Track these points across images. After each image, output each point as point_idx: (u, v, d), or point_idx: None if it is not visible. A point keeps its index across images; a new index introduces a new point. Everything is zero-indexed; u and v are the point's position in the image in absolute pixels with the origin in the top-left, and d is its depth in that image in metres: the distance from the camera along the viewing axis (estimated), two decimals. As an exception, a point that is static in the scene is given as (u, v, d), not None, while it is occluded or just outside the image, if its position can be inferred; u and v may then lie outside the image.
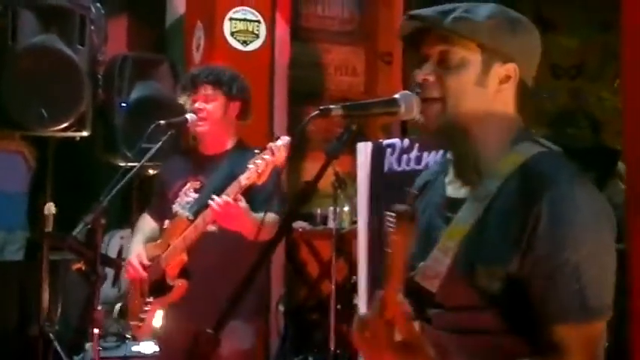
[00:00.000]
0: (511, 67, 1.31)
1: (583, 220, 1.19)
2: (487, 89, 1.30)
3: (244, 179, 2.43)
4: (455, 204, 1.31)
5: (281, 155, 2.37)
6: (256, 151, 2.48)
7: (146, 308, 2.78)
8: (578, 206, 1.19)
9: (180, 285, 2.68)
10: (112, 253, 4.85)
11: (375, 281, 2.88)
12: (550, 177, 1.22)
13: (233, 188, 2.48)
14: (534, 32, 1.36)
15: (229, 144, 2.82)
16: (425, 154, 2.57)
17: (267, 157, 2.38)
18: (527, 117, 1.36)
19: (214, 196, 2.50)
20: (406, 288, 1.29)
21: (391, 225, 1.10)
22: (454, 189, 1.36)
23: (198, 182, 2.78)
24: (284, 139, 2.40)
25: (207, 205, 2.56)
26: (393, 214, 1.09)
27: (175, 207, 2.79)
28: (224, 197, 2.47)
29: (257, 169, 2.39)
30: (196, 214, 2.65)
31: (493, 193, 1.25)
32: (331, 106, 1.30)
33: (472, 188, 1.30)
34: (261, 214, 2.51)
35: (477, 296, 1.22)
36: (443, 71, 1.30)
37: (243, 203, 2.48)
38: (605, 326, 1.21)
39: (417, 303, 1.25)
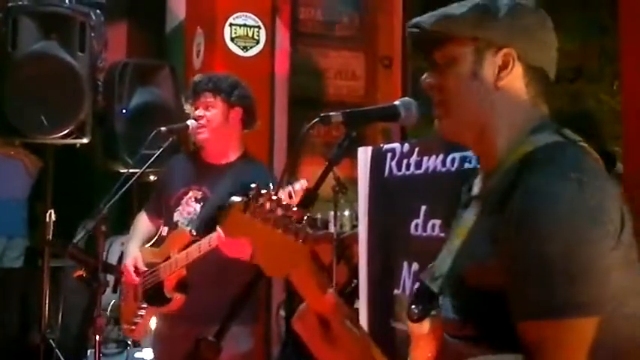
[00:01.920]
0: (507, 52, 1.24)
1: (558, 212, 1.08)
2: (484, 80, 1.25)
3: None
4: (470, 201, 1.29)
5: (297, 200, 2.34)
6: (260, 167, 2.45)
7: (140, 313, 2.80)
8: (555, 198, 1.09)
9: (178, 299, 2.69)
10: (113, 259, 4.85)
11: (377, 285, 2.88)
12: (533, 165, 1.15)
13: None
14: (533, 13, 1.28)
15: (233, 155, 2.82)
16: (425, 158, 2.57)
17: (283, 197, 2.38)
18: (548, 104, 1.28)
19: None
20: (417, 290, 1.29)
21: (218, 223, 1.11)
22: (477, 186, 1.31)
23: (201, 192, 2.77)
24: (302, 184, 2.37)
25: (209, 222, 2.56)
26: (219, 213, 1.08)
27: (176, 216, 2.79)
28: None
29: None
30: (199, 230, 2.65)
31: (490, 188, 1.22)
32: (331, 114, 1.31)
33: (484, 184, 1.27)
34: None
35: (468, 299, 1.18)
36: (440, 73, 1.28)
37: None
38: (589, 326, 1.07)
39: (424, 304, 1.24)
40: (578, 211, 1.09)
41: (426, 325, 1.25)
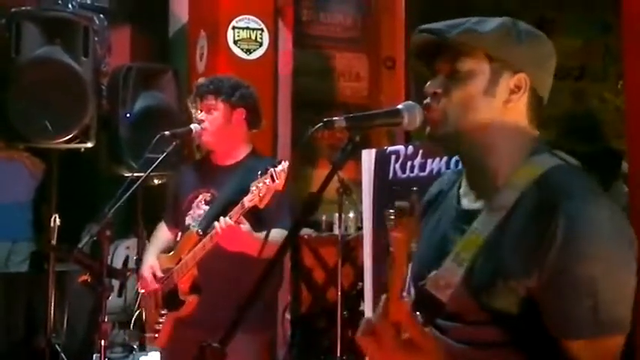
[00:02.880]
0: (521, 77, 1.30)
1: (600, 235, 1.17)
2: (496, 99, 1.30)
3: (247, 202, 2.44)
4: (469, 215, 1.30)
5: (281, 181, 2.37)
6: (267, 164, 2.46)
7: (161, 320, 2.81)
8: (595, 221, 1.18)
9: (191, 300, 2.70)
10: (118, 263, 4.86)
11: (382, 287, 2.88)
12: (567, 191, 1.21)
13: (236, 210, 2.49)
14: (546, 43, 1.35)
15: (241, 154, 2.82)
16: (429, 160, 2.57)
17: (267, 181, 2.39)
18: (540, 128, 1.35)
19: (221, 218, 2.50)
20: (417, 296, 1.29)
21: (391, 222, 1.08)
22: (469, 201, 1.35)
23: (210, 194, 2.78)
24: (284, 165, 2.39)
25: (217, 220, 2.57)
26: (392, 211, 1.08)
27: (188, 219, 2.80)
28: (227, 220, 2.48)
29: (259, 192, 2.40)
30: (206, 229, 2.65)
31: (509, 206, 1.25)
32: (335, 119, 1.31)
33: (487, 200, 1.29)
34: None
35: (489, 310, 1.21)
36: (451, 83, 1.31)
37: (245, 226, 2.50)
38: (621, 341, 1.20)
39: (427, 312, 1.25)
40: (612, 235, 1.19)
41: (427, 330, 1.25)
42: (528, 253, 1.19)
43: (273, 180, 2.38)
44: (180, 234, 2.83)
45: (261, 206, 2.42)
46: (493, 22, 1.31)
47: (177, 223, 2.90)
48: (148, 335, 2.93)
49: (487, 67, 1.29)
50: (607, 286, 1.16)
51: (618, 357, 1.20)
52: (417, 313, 1.24)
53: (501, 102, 1.30)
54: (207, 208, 2.76)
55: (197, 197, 2.81)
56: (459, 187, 1.39)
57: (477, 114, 1.30)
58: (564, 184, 1.23)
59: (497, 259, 1.22)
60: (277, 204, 2.48)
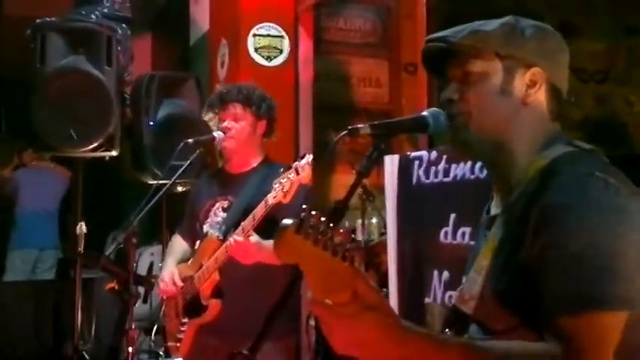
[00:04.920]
0: (535, 71, 1.29)
1: (587, 209, 1.11)
2: (513, 97, 1.28)
3: (271, 198, 2.45)
4: (492, 221, 1.29)
5: (306, 174, 2.38)
6: (281, 169, 2.49)
7: (182, 328, 2.81)
8: (584, 195, 1.13)
9: (214, 305, 2.70)
10: (143, 270, 4.90)
11: (406, 293, 2.86)
12: (561, 170, 1.18)
13: (259, 209, 2.50)
14: (553, 35, 1.33)
15: (255, 161, 2.84)
16: (453, 165, 2.56)
17: (291, 176, 2.39)
18: (562, 121, 1.32)
19: (233, 236, 2.54)
20: (447, 314, 1.28)
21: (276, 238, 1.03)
22: (495, 206, 1.34)
23: (227, 201, 2.80)
24: (308, 158, 2.40)
25: (236, 225, 2.59)
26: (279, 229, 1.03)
27: (206, 227, 2.81)
28: (236, 238, 2.53)
29: (282, 187, 2.41)
30: (225, 234, 2.67)
31: (514, 201, 1.23)
32: (359, 126, 1.31)
33: (505, 202, 1.28)
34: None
35: (510, 312, 1.18)
36: (465, 87, 1.30)
37: (254, 238, 2.52)
38: (620, 321, 1.08)
39: (456, 328, 1.24)
40: (604, 207, 1.12)
41: None
42: (519, 235, 1.17)
43: (297, 173, 2.38)
44: (198, 242, 2.84)
45: (286, 202, 2.42)
46: (496, 21, 1.30)
47: (193, 234, 2.91)
48: (169, 344, 2.93)
49: (499, 65, 1.28)
50: (596, 260, 1.09)
51: (616, 338, 1.08)
52: (447, 330, 1.24)
53: (519, 99, 1.28)
54: (224, 215, 2.77)
55: (214, 205, 2.83)
56: (493, 194, 1.37)
57: (496, 115, 1.28)
58: (563, 164, 1.20)
59: (505, 258, 1.20)
60: (302, 202, 2.49)
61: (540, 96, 1.30)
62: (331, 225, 1.03)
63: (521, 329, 1.17)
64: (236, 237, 2.53)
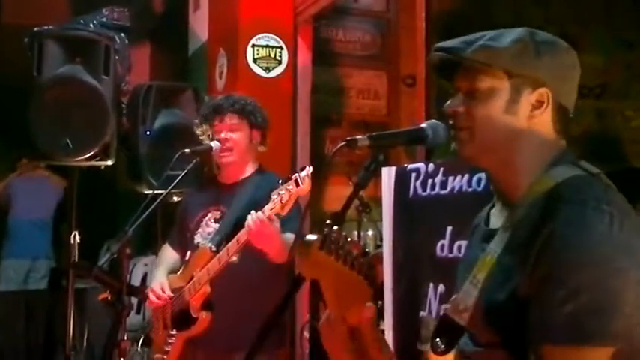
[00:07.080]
0: (543, 92, 1.27)
1: (592, 241, 1.12)
2: (517, 116, 1.27)
3: (268, 210, 2.42)
4: (491, 235, 1.28)
5: (305, 186, 2.36)
6: (275, 178, 2.47)
7: (170, 340, 2.78)
8: (588, 229, 1.12)
9: (204, 317, 2.67)
10: (136, 280, 4.86)
11: (402, 306, 2.84)
12: (569, 198, 1.17)
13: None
14: (568, 52, 1.31)
15: (249, 171, 2.83)
16: (450, 178, 2.54)
17: (290, 187, 2.37)
18: (568, 140, 1.31)
19: (252, 212, 2.47)
20: (439, 322, 1.27)
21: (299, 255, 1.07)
22: (495, 219, 1.33)
23: (219, 212, 2.78)
24: (308, 170, 2.38)
25: (229, 236, 2.56)
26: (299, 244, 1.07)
27: (197, 238, 2.79)
28: (260, 215, 2.44)
29: (281, 199, 2.38)
30: (218, 245, 2.64)
31: (517, 221, 1.22)
32: (358, 137, 1.30)
33: (506, 217, 1.27)
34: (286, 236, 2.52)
35: (494, 329, 1.19)
36: (471, 102, 1.29)
37: (276, 224, 2.47)
38: (609, 356, 1.10)
39: (448, 336, 1.23)
40: (608, 243, 1.12)
41: (450, 358, 1.23)
42: (519, 261, 1.17)
43: (297, 185, 2.36)
44: (189, 253, 2.81)
45: (283, 213, 2.41)
46: (510, 36, 1.27)
47: (183, 244, 2.88)
48: (156, 356, 2.89)
49: (507, 84, 1.27)
50: (593, 294, 1.10)
51: None
52: (437, 339, 1.23)
53: (524, 119, 1.27)
54: (216, 226, 2.75)
55: (206, 216, 2.81)
56: (492, 207, 1.37)
57: (500, 133, 1.27)
58: (567, 193, 1.18)
59: (503, 277, 1.20)
60: (295, 212, 2.48)
61: (546, 115, 1.28)
62: (349, 239, 1.05)
63: (501, 349, 1.18)
64: (260, 215, 2.45)
